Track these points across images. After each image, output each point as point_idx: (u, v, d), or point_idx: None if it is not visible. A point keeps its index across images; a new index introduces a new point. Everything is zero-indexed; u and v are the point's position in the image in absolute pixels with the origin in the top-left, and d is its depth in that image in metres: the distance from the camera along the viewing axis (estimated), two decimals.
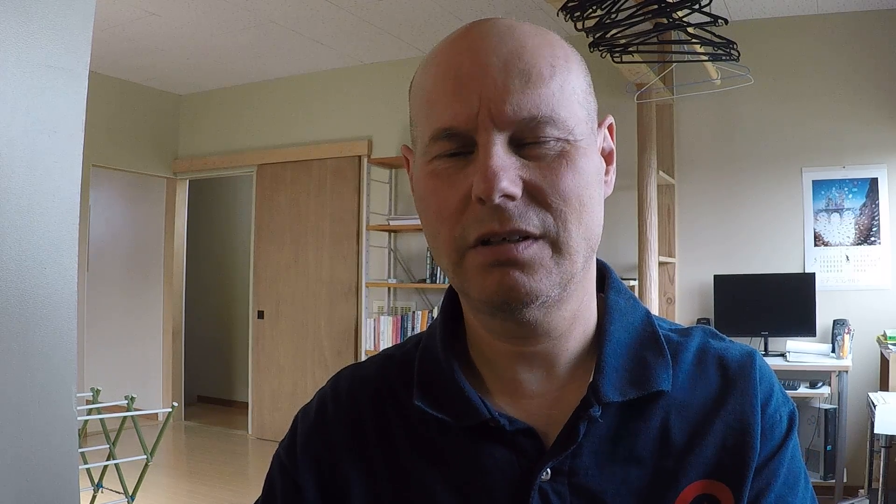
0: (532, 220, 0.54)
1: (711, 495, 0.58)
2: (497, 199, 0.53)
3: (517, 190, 0.54)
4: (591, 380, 0.60)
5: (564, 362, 0.62)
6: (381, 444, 0.64)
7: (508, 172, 0.53)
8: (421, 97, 0.58)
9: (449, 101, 0.55)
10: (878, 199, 3.96)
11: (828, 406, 3.73)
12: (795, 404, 0.65)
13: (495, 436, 0.60)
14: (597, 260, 0.66)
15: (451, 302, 0.67)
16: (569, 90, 0.56)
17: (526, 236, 0.55)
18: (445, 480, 0.61)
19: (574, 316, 0.61)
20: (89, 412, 3.32)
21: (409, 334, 4.82)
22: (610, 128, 0.64)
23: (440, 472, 0.61)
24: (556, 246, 0.55)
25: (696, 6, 2.72)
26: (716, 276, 4.09)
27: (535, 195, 0.55)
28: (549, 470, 0.58)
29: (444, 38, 0.59)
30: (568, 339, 0.62)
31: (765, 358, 4.10)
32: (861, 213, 4.00)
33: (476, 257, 0.56)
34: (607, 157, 0.63)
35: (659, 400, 0.61)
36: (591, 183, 0.57)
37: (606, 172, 0.62)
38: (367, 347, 4.95)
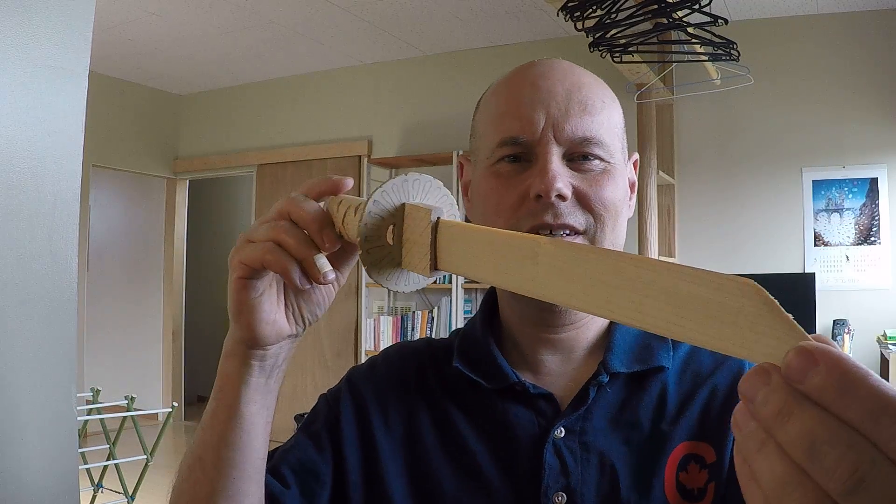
0: (578, 219, 0.66)
1: (698, 454, 0.67)
2: (553, 197, 0.64)
3: (568, 192, 0.65)
4: (602, 360, 0.71)
5: (582, 349, 0.73)
6: (423, 393, 0.75)
7: (563, 178, 0.65)
8: (491, 112, 0.71)
9: (519, 116, 0.67)
10: (878, 199, 3.96)
11: None
12: None
13: (519, 398, 0.71)
14: None
15: (490, 299, 0.80)
16: (613, 123, 0.69)
17: (571, 231, 0.66)
18: (476, 428, 0.71)
19: None
20: (89, 412, 3.32)
21: (409, 334, 4.83)
22: (635, 164, 0.76)
23: (471, 422, 0.72)
24: (593, 243, 0.67)
25: (696, 6, 2.72)
26: None
27: (582, 200, 0.66)
28: (562, 428, 0.68)
29: (510, 71, 0.72)
30: (588, 329, 0.73)
31: None
32: (861, 213, 4.00)
33: None
34: (631, 187, 0.75)
35: (659, 376, 0.71)
36: (623, 199, 0.70)
37: (630, 199, 0.75)
38: (368, 347, 4.95)
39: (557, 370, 0.73)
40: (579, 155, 0.67)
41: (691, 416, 0.69)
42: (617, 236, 0.69)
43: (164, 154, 6.03)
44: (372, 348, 4.91)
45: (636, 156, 0.77)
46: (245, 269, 0.56)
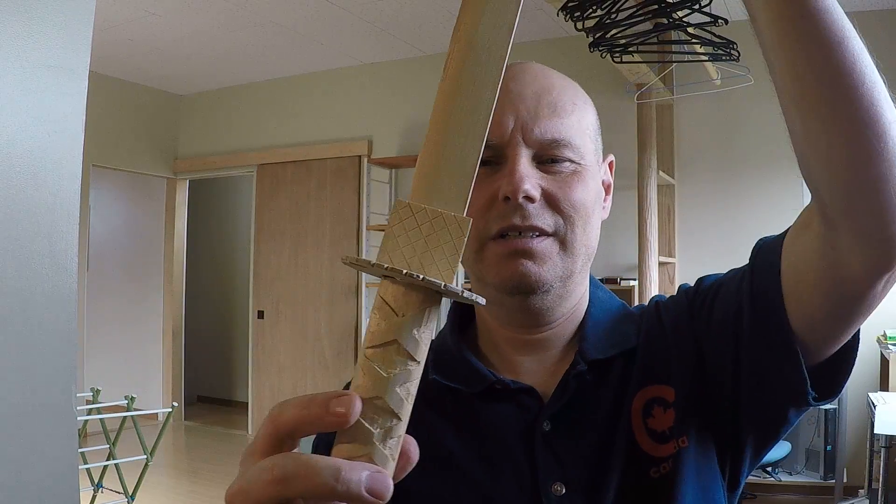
0: (547, 220, 0.67)
1: (658, 397, 0.70)
2: (520, 199, 0.65)
3: (536, 194, 0.66)
4: (577, 349, 0.72)
5: (558, 346, 0.74)
6: None
7: (531, 179, 0.66)
8: None
9: None
10: None
11: (828, 406, 3.73)
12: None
13: (501, 396, 0.71)
14: None
15: (459, 307, 0.80)
16: (584, 125, 0.70)
17: (540, 233, 0.67)
18: (461, 435, 0.71)
19: (570, 311, 0.74)
20: (89, 412, 3.32)
21: None
22: (610, 164, 0.77)
23: (456, 430, 0.72)
24: (564, 244, 0.68)
25: (696, 6, 2.72)
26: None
27: (551, 201, 0.67)
28: (548, 421, 0.69)
29: None
30: (565, 328, 0.74)
31: None
32: None
33: (496, 248, 0.68)
34: (606, 189, 0.76)
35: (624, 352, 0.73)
36: (594, 200, 0.70)
37: (605, 200, 0.75)
38: None
39: (536, 367, 0.74)
40: (549, 157, 0.67)
41: (639, 365, 0.71)
42: (588, 238, 0.70)
43: (164, 154, 6.03)
44: None
45: (611, 157, 0.77)
46: None
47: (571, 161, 0.68)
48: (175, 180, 6.11)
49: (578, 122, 0.69)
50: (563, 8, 2.75)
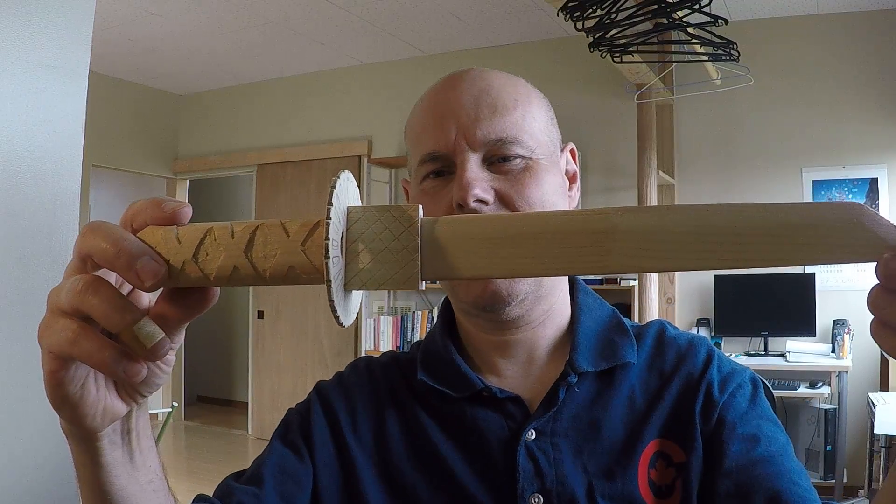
0: None
1: (665, 453, 0.68)
2: (472, 203, 0.64)
3: (489, 196, 0.65)
4: (567, 358, 0.71)
5: (543, 349, 0.73)
6: (392, 403, 0.75)
7: (481, 182, 0.65)
8: (412, 132, 0.72)
9: (432, 132, 0.68)
10: (878, 199, 3.96)
11: (828, 406, 3.73)
12: (756, 375, 0.75)
13: (487, 403, 0.71)
14: None
15: (447, 306, 0.79)
16: (529, 119, 0.69)
17: None
18: (447, 436, 0.71)
19: (550, 309, 0.73)
20: None
21: (409, 334, 4.84)
22: (572, 152, 0.76)
23: (442, 430, 0.72)
24: None
25: (696, 6, 2.72)
26: (716, 276, 4.09)
27: (506, 201, 0.66)
28: (533, 430, 0.68)
29: (429, 88, 0.72)
30: (544, 328, 0.73)
31: (765, 358, 4.05)
32: None
33: None
34: (571, 177, 0.75)
35: (626, 372, 0.71)
36: (553, 192, 0.68)
37: (570, 189, 0.74)
38: (367, 347, 4.95)
39: (522, 372, 0.73)
40: (498, 157, 0.66)
41: (661, 415, 0.69)
42: None
43: (164, 154, 6.03)
44: (372, 348, 4.91)
45: (571, 145, 0.76)
46: (55, 361, 0.42)
47: (522, 157, 0.67)
48: (175, 180, 6.11)
49: (523, 118, 0.68)
50: (563, 8, 2.75)
